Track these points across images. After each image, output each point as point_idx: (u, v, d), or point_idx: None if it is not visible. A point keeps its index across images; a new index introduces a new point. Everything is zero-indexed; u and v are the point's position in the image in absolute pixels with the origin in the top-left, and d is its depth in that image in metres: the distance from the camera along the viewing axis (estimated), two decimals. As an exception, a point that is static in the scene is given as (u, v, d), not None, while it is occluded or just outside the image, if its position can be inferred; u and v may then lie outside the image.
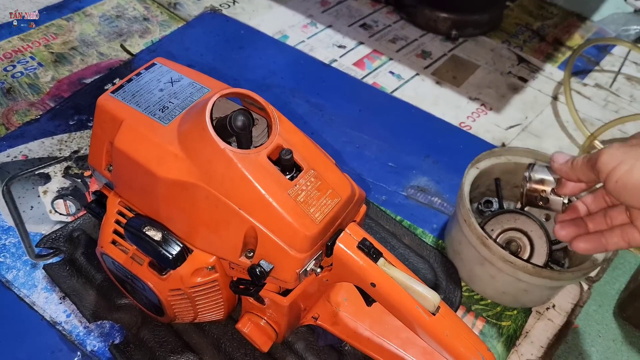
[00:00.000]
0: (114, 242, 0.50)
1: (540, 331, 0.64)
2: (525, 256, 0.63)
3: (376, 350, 0.56)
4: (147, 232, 0.45)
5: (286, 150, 0.46)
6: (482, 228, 0.62)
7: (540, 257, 0.62)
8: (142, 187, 0.48)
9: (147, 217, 0.48)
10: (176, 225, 0.48)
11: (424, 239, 0.70)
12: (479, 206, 0.69)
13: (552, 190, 0.59)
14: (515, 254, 0.62)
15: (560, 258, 0.66)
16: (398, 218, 0.73)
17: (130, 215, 0.50)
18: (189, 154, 0.46)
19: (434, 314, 0.47)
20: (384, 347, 0.56)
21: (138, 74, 0.52)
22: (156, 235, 0.45)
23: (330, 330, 0.57)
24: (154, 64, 0.54)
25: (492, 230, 0.64)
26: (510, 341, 0.62)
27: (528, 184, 0.60)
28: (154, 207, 0.48)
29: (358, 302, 0.57)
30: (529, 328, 0.64)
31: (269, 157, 0.46)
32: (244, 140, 0.47)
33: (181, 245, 0.46)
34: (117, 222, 0.51)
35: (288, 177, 0.46)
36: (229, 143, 0.45)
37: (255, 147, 0.46)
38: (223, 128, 0.46)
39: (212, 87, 0.52)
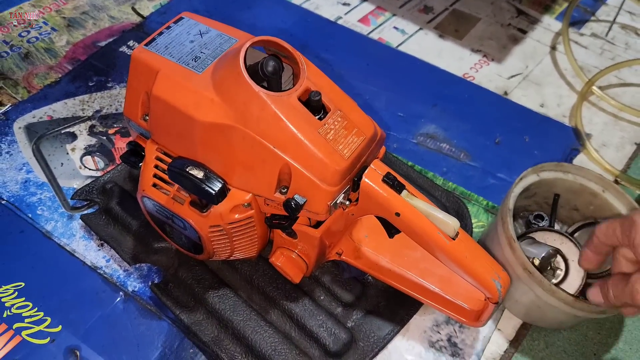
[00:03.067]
0: (154, 185, 0.54)
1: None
2: (555, 281, 0.61)
3: (397, 279, 0.61)
4: (190, 171, 0.49)
5: (315, 92, 0.49)
6: (524, 235, 0.63)
7: (570, 287, 0.60)
8: (180, 132, 0.52)
9: (188, 158, 0.52)
10: (214, 166, 0.51)
11: (435, 182, 0.74)
12: (529, 217, 0.67)
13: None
14: (544, 272, 0.61)
15: None
16: (410, 163, 0.77)
17: (168, 160, 0.54)
18: (224, 98, 0.49)
19: (453, 239, 0.51)
20: (404, 276, 0.60)
21: (168, 28, 0.56)
22: (199, 174, 0.49)
23: (354, 264, 0.62)
24: (181, 18, 0.57)
25: (532, 242, 0.62)
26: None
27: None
28: (192, 150, 0.52)
29: (378, 238, 0.61)
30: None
31: (299, 99, 0.49)
32: (274, 85, 0.50)
33: (222, 182, 0.49)
34: (157, 167, 0.54)
35: (317, 117, 0.50)
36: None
37: (284, 91, 0.50)
38: (254, 74, 0.49)
39: (239, 38, 0.55)
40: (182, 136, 0.52)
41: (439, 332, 0.62)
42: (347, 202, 0.52)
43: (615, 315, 0.64)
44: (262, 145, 0.49)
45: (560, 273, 0.61)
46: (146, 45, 0.54)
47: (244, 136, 0.49)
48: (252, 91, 0.48)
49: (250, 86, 0.48)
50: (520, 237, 0.64)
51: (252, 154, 0.50)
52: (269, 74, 0.49)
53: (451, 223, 0.51)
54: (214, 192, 0.49)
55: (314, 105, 0.49)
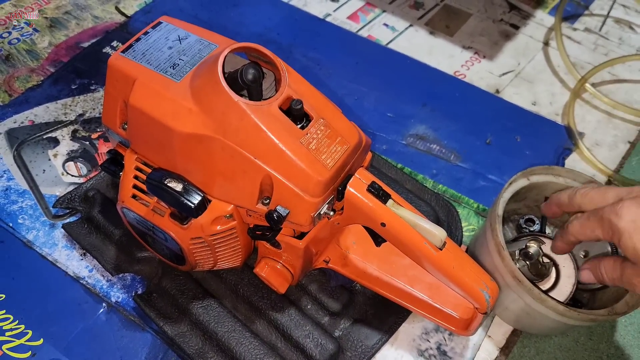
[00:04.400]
0: (134, 197, 0.53)
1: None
2: (545, 287, 0.59)
3: (385, 287, 0.60)
4: (168, 184, 0.48)
5: (296, 100, 0.48)
6: (514, 240, 0.62)
7: (560, 294, 0.59)
8: (159, 142, 0.50)
9: (166, 170, 0.50)
10: (194, 177, 0.50)
11: (425, 184, 0.73)
12: (520, 221, 0.66)
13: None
14: (534, 279, 0.59)
15: (583, 299, 0.62)
16: (399, 166, 0.76)
17: (148, 170, 0.52)
18: (203, 107, 0.48)
19: (440, 249, 0.50)
20: (392, 284, 0.59)
21: (145, 33, 0.54)
22: (177, 186, 0.48)
23: (341, 271, 0.61)
24: (160, 23, 0.55)
25: (523, 247, 0.59)
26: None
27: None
28: (172, 160, 0.50)
29: (366, 245, 0.60)
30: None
31: (280, 108, 0.48)
32: (254, 93, 0.49)
33: (202, 195, 0.48)
34: (136, 177, 0.53)
35: (299, 126, 0.48)
36: (241, 96, 0.47)
37: (265, 99, 0.48)
38: (234, 81, 0.48)
39: (219, 43, 0.53)
40: (161, 146, 0.51)
41: (428, 340, 0.61)
42: (332, 212, 0.51)
43: (607, 321, 0.64)
44: (242, 155, 0.47)
45: (551, 280, 0.60)
46: (123, 52, 0.52)
47: (223, 147, 0.47)
48: (230, 100, 0.46)
49: (229, 95, 0.46)
50: (511, 242, 0.63)
51: (232, 165, 0.48)
52: (248, 82, 0.47)
53: (438, 233, 0.49)
54: (193, 205, 0.47)
55: (296, 113, 0.48)
